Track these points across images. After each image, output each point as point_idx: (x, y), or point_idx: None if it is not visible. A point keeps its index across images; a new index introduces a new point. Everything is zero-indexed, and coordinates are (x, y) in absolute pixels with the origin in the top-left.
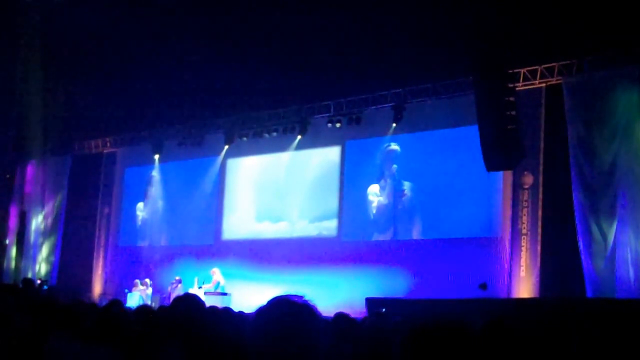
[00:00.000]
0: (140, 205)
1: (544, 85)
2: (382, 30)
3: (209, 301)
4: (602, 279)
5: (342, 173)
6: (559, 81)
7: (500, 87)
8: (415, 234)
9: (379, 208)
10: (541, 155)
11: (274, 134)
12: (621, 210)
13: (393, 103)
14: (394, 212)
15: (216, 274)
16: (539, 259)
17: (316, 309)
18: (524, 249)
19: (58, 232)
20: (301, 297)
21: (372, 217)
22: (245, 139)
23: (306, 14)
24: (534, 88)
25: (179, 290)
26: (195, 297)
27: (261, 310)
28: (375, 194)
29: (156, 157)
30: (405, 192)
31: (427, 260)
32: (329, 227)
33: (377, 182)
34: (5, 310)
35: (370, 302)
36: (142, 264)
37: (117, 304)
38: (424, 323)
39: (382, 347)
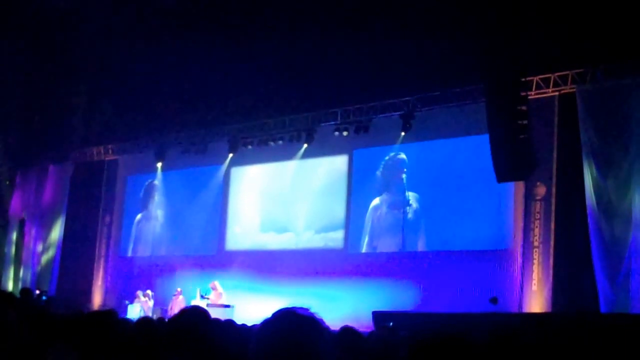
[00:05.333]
0: (142, 214)
1: (557, 93)
2: (391, 37)
3: (211, 313)
4: (617, 293)
5: (349, 183)
6: (572, 89)
7: (512, 95)
8: (423, 245)
9: (386, 219)
10: (554, 166)
11: (280, 142)
12: (637, 222)
13: (402, 111)
14: (402, 223)
15: (217, 288)
16: (551, 273)
17: (322, 322)
18: (535, 262)
19: (58, 240)
20: (307, 309)
21: (379, 228)
22: (250, 147)
23: (314, 20)
24: (546, 96)
25: (179, 302)
26: (202, 310)
27: (266, 323)
28: (382, 205)
29: (159, 165)
30: (414, 202)
31: (435, 273)
32: (336, 238)
33: (385, 192)
34: (3, 321)
35: (377, 315)
36: (144, 275)
37: (111, 314)
38: (429, 338)
39: None
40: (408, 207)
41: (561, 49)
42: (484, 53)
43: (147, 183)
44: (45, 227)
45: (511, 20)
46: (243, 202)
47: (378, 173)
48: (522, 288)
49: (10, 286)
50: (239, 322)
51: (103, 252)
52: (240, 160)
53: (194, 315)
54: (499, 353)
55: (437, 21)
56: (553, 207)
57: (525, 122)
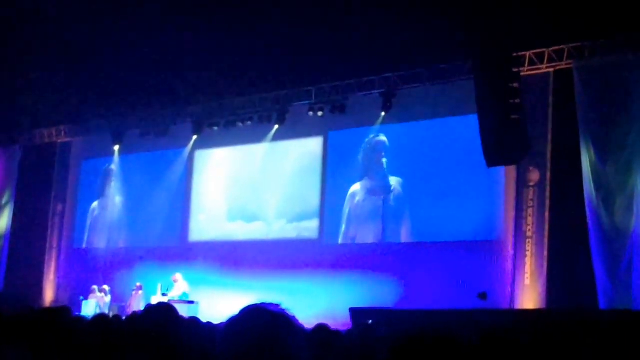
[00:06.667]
0: (97, 202)
1: (552, 69)
2: (370, 8)
3: None
4: (617, 287)
5: (324, 167)
6: (568, 65)
7: (503, 71)
8: (406, 236)
9: (365, 207)
10: (549, 149)
11: (248, 123)
12: (639, 210)
13: (382, 89)
14: (382, 211)
15: (179, 280)
16: (545, 265)
17: (295, 319)
18: (528, 253)
19: (6, 231)
20: (277, 305)
21: (357, 217)
22: (215, 128)
23: None
24: (541, 73)
25: (139, 298)
26: (170, 307)
27: (233, 321)
28: (361, 191)
29: (116, 148)
30: (395, 189)
31: (418, 266)
32: (310, 227)
33: (363, 177)
34: None
35: (355, 312)
36: (100, 268)
37: (64, 311)
38: (412, 337)
39: None
40: (390, 194)
41: (556, 21)
42: (472, 26)
43: (103, 168)
44: None
45: None
46: (208, 188)
47: (359, 158)
48: (513, 282)
49: None
50: (203, 319)
51: (55, 243)
52: (205, 143)
53: (162, 313)
54: (488, 353)
55: None
56: (547, 194)
57: (517, 100)
